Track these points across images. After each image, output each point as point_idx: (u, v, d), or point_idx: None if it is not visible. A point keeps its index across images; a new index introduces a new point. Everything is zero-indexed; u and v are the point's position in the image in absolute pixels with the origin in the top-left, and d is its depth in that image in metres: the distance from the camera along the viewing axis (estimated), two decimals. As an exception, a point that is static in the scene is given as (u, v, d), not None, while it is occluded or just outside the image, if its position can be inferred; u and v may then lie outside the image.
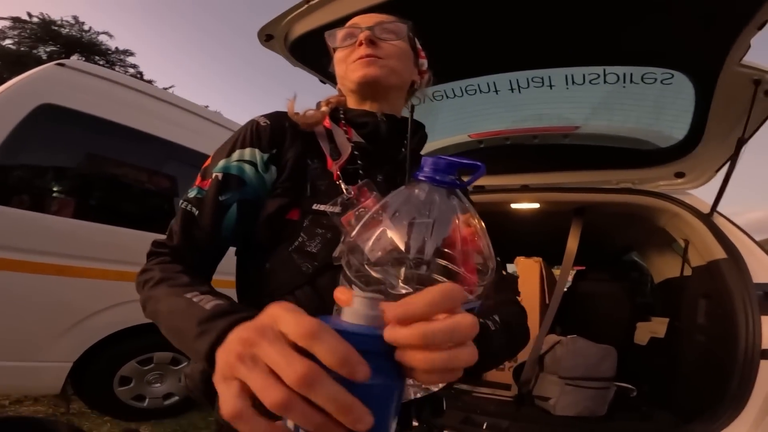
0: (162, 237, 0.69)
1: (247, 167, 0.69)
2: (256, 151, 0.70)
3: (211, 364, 0.40)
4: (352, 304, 0.34)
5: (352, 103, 0.83)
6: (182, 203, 0.69)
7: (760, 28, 1.15)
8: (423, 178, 0.47)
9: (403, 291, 0.41)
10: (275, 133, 0.72)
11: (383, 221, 0.45)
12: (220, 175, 0.68)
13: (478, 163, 0.46)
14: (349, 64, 0.77)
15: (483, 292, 0.50)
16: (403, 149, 0.80)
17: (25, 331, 2.24)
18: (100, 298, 2.45)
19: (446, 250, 0.45)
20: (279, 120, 0.74)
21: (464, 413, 1.87)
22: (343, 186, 0.70)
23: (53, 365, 2.33)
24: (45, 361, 2.29)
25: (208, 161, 0.72)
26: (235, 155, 0.69)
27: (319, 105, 0.84)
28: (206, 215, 0.67)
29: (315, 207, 0.68)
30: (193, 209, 0.67)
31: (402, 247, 0.43)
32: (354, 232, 0.45)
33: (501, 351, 0.62)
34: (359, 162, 0.75)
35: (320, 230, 0.66)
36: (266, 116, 0.74)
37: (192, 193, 0.69)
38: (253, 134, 0.71)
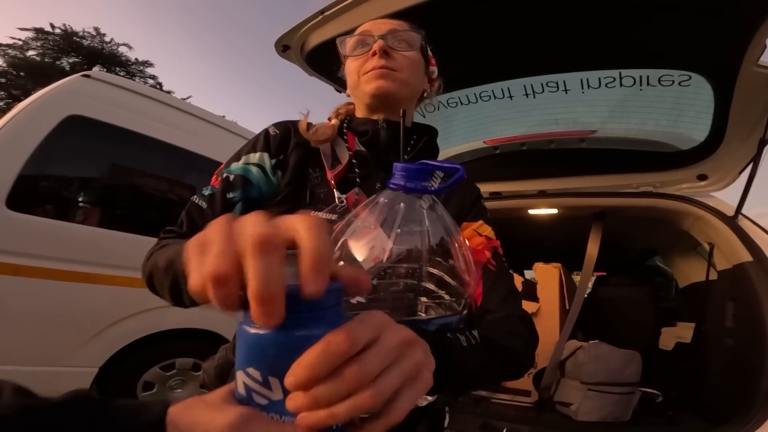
0: (172, 227, 0.73)
1: (254, 169, 0.73)
2: (265, 155, 0.75)
3: None
4: None
5: (361, 111, 0.83)
6: (194, 198, 0.73)
7: None
8: (393, 186, 0.44)
9: (355, 301, 0.39)
10: (282, 140, 0.77)
11: (347, 231, 0.44)
12: (227, 175, 0.73)
13: (457, 166, 0.43)
14: (362, 75, 0.76)
15: (460, 305, 0.47)
16: (405, 156, 0.79)
17: (53, 338, 2.29)
18: (126, 305, 2.50)
19: (409, 260, 0.42)
20: (287, 129, 0.79)
21: (483, 419, 1.86)
22: (336, 194, 0.72)
23: (80, 370, 2.38)
24: (72, 366, 2.34)
25: (223, 165, 0.77)
26: (243, 159, 0.75)
27: (330, 117, 0.85)
28: (214, 210, 0.71)
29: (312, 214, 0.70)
30: (202, 203, 0.71)
31: (358, 257, 0.42)
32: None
33: (474, 369, 0.52)
34: (357, 170, 0.76)
35: None
36: (275, 125, 0.80)
37: (206, 191, 0.73)
38: (263, 141, 0.77)
